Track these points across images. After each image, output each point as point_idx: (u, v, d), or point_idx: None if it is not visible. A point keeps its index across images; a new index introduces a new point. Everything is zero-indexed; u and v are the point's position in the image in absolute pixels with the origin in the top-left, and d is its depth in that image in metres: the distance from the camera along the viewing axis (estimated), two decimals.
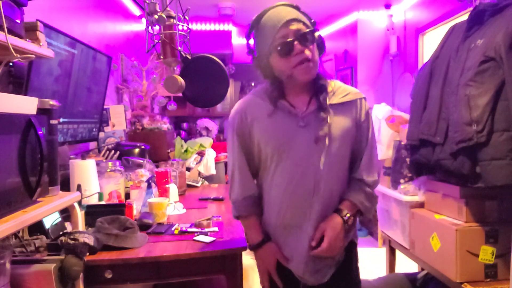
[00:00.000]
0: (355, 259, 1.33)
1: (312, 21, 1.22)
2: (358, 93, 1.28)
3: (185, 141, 3.13)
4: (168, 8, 1.58)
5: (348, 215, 1.21)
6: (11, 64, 1.42)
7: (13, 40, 1.00)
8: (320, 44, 1.23)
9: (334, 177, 1.23)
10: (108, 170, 1.89)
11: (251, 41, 1.29)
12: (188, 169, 2.81)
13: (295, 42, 1.15)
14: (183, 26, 1.64)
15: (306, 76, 1.18)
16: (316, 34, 1.19)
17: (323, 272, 1.23)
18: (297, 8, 1.22)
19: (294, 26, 1.15)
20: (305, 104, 1.23)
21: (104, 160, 2.08)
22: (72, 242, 1.17)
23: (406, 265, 2.45)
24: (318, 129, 1.19)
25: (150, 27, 1.57)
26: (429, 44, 3.60)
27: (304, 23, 1.17)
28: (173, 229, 1.59)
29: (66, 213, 1.43)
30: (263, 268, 1.28)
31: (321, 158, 1.19)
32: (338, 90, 1.26)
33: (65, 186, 1.61)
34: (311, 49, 1.17)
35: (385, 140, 2.24)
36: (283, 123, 1.22)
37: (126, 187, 1.96)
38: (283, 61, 1.17)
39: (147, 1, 1.53)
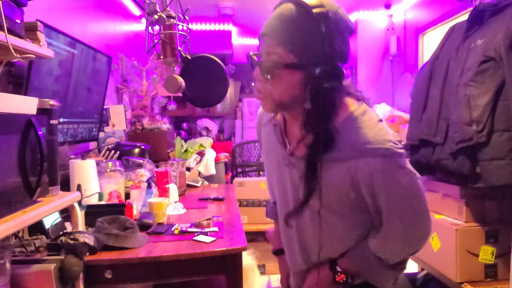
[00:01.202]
0: None
1: (316, 46, 0.83)
2: (361, 148, 0.85)
3: (185, 141, 3.13)
4: (168, 8, 1.58)
5: (340, 273, 0.97)
6: (11, 64, 1.42)
7: (13, 40, 1.00)
8: (325, 80, 0.84)
9: (313, 231, 0.98)
10: (108, 170, 1.89)
11: None
12: (188, 169, 2.80)
13: (255, 68, 0.90)
14: (183, 26, 1.64)
15: (263, 108, 0.96)
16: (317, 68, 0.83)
17: None
18: (314, 18, 0.82)
19: (264, 45, 0.89)
20: (296, 138, 0.96)
21: (104, 160, 2.08)
22: (72, 242, 1.17)
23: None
24: (300, 178, 0.94)
25: (150, 27, 1.57)
26: (429, 44, 3.60)
27: (285, 49, 0.84)
28: (173, 229, 1.59)
29: (66, 213, 1.43)
30: (280, 272, 1.33)
31: (307, 218, 0.97)
32: (342, 135, 0.88)
33: (65, 186, 1.61)
34: (271, 82, 0.87)
35: None
36: (273, 148, 1.04)
37: (126, 187, 1.96)
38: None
39: (147, 1, 1.53)
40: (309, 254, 1.02)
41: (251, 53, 0.92)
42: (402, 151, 0.87)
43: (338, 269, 0.97)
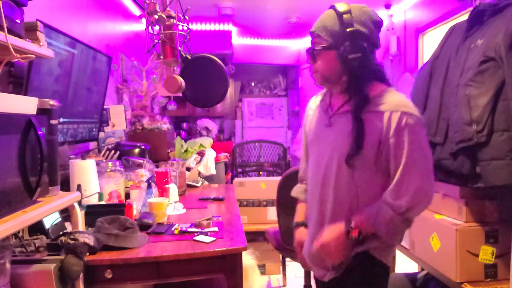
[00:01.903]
0: (366, 275, 1.21)
1: (341, 31, 1.18)
2: (397, 105, 1.15)
3: (185, 141, 3.13)
4: (168, 8, 1.58)
5: (354, 228, 1.14)
6: (11, 64, 1.42)
7: (13, 40, 1.00)
8: (346, 55, 1.17)
9: (346, 189, 1.19)
10: (108, 170, 1.88)
11: None
12: (188, 169, 2.80)
13: (307, 55, 1.26)
14: (183, 26, 1.64)
15: (315, 82, 1.29)
16: (342, 46, 1.17)
17: (323, 271, 1.28)
18: (339, 14, 1.19)
19: (312, 39, 1.25)
20: (339, 104, 1.26)
21: (104, 160, 2.08)
22: (72, 242, 1.17)
23: (406, 265, 2.45)
24: (340, 131, 1.21)
25: (150, 27, 1.57)
26: (429, 44, 3.59)
27: (320, 37, 1.21)
28: (173, 229, 1.59)
29: (66, 213, 1.43)
30: (295, 243, 1.43)
31: (334, 162, 1.20)
32: (379, 99, 1.18)
33: (65, 186, 1.61)
34: (318, 64, 1.23)
35: None
36: (316, 119, 1.33)
37: (126, 187, 1.96)
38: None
39: (147, 1, 1.53)
40: (341, 211, 1.21)
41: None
42: (417, 111, 1.16)
43: (352, 225, 1.14)
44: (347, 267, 1.21)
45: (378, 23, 1.23)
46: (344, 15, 1.18)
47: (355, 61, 1.16)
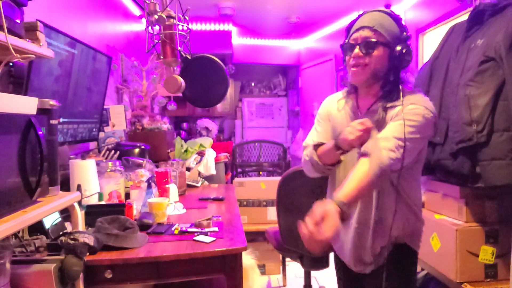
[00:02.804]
0: (401, 267, 1.32)
1: (398, 33, 1.25)
2: (419, 101, 1.23)
3: (185, 141, 3.13)
4: (168, 8, 1.58)
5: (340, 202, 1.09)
6: (11, 64, 1.42)
7: (13, 40, 1.00)
8: (400, 56, 1.23)
9: (387, 184, 1.25)
10: (108, 170, 1.88)
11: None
12: (188, 169, 2.80)
13: (357, 46, 1.25)
14: (183, 26, 1.64)
15: (353, 78, 1.28)
16: (398, 47, 1.23)
17: (361, 266, 1.35)
18: (390, 15, 1.27)
19: (365, 33, 1.25)
20: (368, 106, 1.30)
21: (104, 160, 2.08)
22: (72, 242, 1.17)
23: None
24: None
25: (150, 27, 1.57)
26: (429, 44, 3.59)
27: (379, 33, 1.23)
28: (173, 229, 1.59)
29: (66, 213, 1.43)
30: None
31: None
32: (405, 103, 1.23)
33: (65, 186, 1.61)
34: (372, 57, 1.24)
35: None
36: (345, 120, 1.35)
37: (126, 187, 1.96)
38: (346, 59, 1.30)
39: (147, 1, 1.53)
40: (385, 209, 1.28)
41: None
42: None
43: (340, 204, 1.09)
44: (385, 258, 1.30)
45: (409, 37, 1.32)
46: (401, 21, 1.27)
47: (404, 63, 1.24)
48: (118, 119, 2.86)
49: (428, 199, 1.91)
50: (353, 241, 1.34)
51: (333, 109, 1.42)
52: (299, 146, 4.84)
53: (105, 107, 2.57)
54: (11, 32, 1.01)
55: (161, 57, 1.62)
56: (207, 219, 1.64)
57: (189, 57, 1.76)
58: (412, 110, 1.20)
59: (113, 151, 2.34)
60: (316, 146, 1.38)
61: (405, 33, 1.25)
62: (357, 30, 1.27)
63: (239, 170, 4.07)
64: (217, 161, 3.08)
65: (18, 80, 1.51)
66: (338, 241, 1.43)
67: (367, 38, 1.24)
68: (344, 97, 1.41)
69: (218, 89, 2.01)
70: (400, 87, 1.26)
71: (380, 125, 1.23)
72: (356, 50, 1.25)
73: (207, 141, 3.14)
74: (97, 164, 1.81)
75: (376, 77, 1.27)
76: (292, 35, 5.58)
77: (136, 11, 3.99)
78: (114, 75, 3.18)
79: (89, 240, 1.21)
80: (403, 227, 1.29)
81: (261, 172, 4.19)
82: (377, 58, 1.24)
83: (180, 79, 1.67)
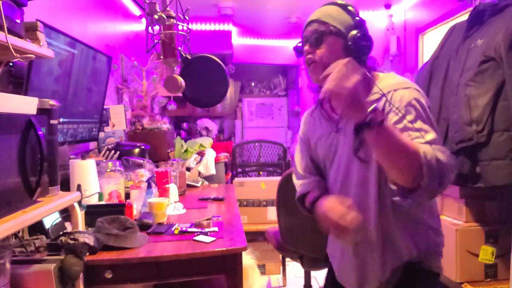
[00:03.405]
0: None
1: (350, 20, 1.13)
2: (397, 84, 1.08)
3: (185, 141, 3.13)
4: (168, 8, 1.58)
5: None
6: (11, 64, 1.42)
7: (13, 40, 1.00)
8: (356, 43, 1.11)
9: (367, 185, 1.11)
10: (108, 170, 1.88)
11: None
12: (188, 169, 2.80)
13: (306, 44, 1.16)
14: (183, 26, 1.64)
15: (312, 77, 1.18)
16: (352, 32, 1.11)
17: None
18: (337, 4, 1.16)
19: (312, 27, 1.15)
20: None
21: (104, 160, 2.08)
22: (72, 242, 1.17)
23: None
24: (350, 131, 1.09)
25: (150, 27, 1.57)
26: (429, 44, 3.59)
27: (327, 24, 1.13)
28: (173, 229, 1.59)
29: (66, 213, 1.43)
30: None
31: (352, 164, 1.13)
32: (378, 84, 1.09)
33: (65, 186, 1.61)
34: (322, 50, 1.13)
35: None
36: (321, 129, 1.25)
37: (126, 187, 1.96)
38: (303, 61, 1.20)
39: (147, 1, 1.53)
40: (368, 203, 1.12)
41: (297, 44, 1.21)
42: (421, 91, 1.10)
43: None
44: (393, 285, 1.11)
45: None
46: (348, 7, 1.15)
47: (363, 50, 1.12)
48: (118, 119, 2.86)
49: None
50: (354, 264, 1.17)
51: (309, 123, 1.33)
52: None
53: (105, 107, 2.57)
54: (11, 32, 1.01)
55: (161, 57, 1.62)
56: (207, 219, 1.64)
57: (189, 57, 1.76)
58: (401, 100, 1.04)
59: (113, 151, 2.34)
60: (301, 196, 1.30)
61: (357, 18, 1.13)
62: (306, 27, 1.18)
63: (239, 170, 4.07)
64: (217, 161, 3.08)
65: (18, 80, 1.51)
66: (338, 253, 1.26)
67: (315, 32, 1.14)
68: (317, 105, 1.30)
69: (218, 89, 2.01)
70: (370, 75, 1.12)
71: None
72: (306, 46, 1.16)
73: (207, 141, 3.14)
74: (97, 164, 1.81)
75: None
76: (292, 35, 5.58)
77: (136, 11, 3.99)
78: (114, 75, 3.18)
79: (89, 240, 1.21)
80: (415, 245, 1.09)
81: (261, 172, 4.20)
82: (329, 50, 1.12)
83: (180, 79, 1.67)
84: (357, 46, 1.11)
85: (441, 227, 1.16)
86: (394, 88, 1.07)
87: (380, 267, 1.11)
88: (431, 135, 0.99)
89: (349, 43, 1.11)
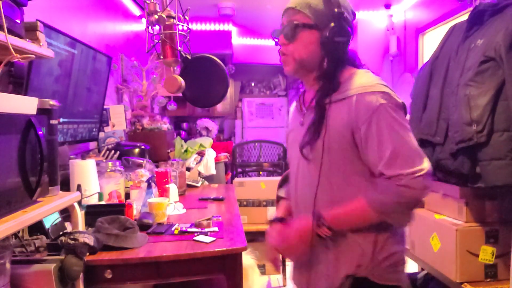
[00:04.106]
0: None
1: (328, 12, 1.04)
2: (364, 86, 1.00)
3: (185, 141, 3.13)
4: (168, 8, 1.58)
5: (324, 224, 0.98)
6: (11, 64, 1.42)
7: (13, 40, 1.00)
8: (332, 38, 1.03)
9: (309, 185, 1.06)
10: (108, 170, 1.88)
11: None
12: (188, 169, 2.80)
13: (281, 33, 1.09)
14: (183, 26, 1.64)
15: (285, 69, 1.12)
16: (327, 28, 1.03)
17: None
18: None
19: (288, 16, 1.09)
20: (310, 99, 1.10)
21: (104, 160, 2.08)
22: (72, 242, 1.17)
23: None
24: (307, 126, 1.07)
25: (150, 27, 1.57)
26: (429, 44, 3.60)
27: (302, 14, 1.05)
28: (173, 229, 1.59)
29: (66, 213, 1.43)
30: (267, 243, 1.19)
31: (314, 165, 1.04)
32: (347, 84, 1.04)
33: (65, 186, 1.61)
34: (296, 43, 1.06)
35: None
36: (292, 121, 1.22)
37: (126, 187, 1.96)
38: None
39: (147, 1, 1.53)
40: (308, 203, 1.07)
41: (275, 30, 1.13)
42: (390, 90, 1.02)
43: (324, 222, 0.99)
44: None
45: (354, 14, 1.13)
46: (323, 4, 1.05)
47: (339, 45, 1.04)
48: (118, 119, 2.86)
49: (428, 199, 1.92)
50: (306, 265, 1.11)
51: (290, 116, 1.27)
52: None
53: (105, 107, 2.57)
54: (11, 32, 1.01)
55: (161, 57, 1.62)
56: (207, 219, 1.64)
57: (189, 57, 1.76)
58: (367, 109, 0.97)
59: (113, 151, 2.34)
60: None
61: (336, 10, 1.03)
62: (283, 13, 1.10)
63: (239, 170, 4.07)
64: (217, 161, 3.08)
65: (18, 80, 1.51)
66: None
67: (290, 22, 1.06)
68: (298, 97, 1.23)
69: (218, 89, 2.01)
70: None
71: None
72: (281, 36, 1.09)
73: (207, 141, 3.14)
74: (97, 164, 1.81)
75: (307, 67, 1.09)
76: None
77: (136, 11, 3.99)
78: (114, 75, 3.18)
79: (89, 240, 1.21)
80: (357, 260, 1.00)
81: (261, 172, 4.19)
82: (303, 44, 1.05)
83: (180, 79, 1.67)
84: (332, 41, 1.03)
85: (405, 237, 1.09)
86: (360, 91, 0.99)
87: (333, 272, 1.03)
88: (387, 153, 0.94)
89: (324, 38, 1.03)
